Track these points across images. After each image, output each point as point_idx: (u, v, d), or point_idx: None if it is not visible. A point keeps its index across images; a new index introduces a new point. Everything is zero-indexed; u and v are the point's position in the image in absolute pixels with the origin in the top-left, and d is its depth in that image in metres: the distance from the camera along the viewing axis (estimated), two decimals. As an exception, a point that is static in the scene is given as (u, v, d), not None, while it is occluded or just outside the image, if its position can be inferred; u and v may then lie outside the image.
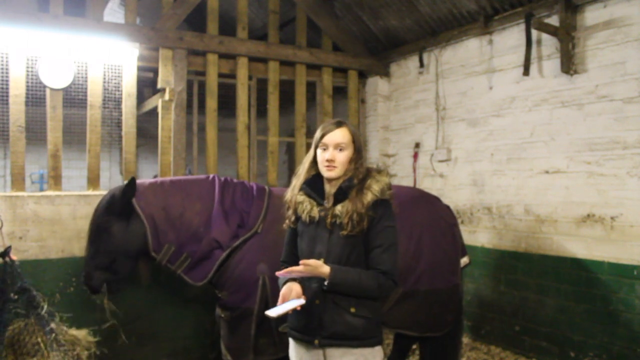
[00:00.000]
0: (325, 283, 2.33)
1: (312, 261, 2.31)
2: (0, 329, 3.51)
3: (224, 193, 3.70)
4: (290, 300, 2.36)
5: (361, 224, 2.39)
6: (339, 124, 2.52)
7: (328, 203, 2.48)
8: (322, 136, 2.49)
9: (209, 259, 3.58)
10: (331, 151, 2.46)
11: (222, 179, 3.81)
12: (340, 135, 2.47)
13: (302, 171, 2.60)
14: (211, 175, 3.83)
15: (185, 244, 3.56)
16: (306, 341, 2.48)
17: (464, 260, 4.08)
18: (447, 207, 4.21)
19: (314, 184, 2.54)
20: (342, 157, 2.46)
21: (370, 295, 2.42)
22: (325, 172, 2.48)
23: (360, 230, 2.40)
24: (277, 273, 2.39)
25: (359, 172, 2.49)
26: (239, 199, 3.71)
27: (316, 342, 2.42)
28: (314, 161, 2.55)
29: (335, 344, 2.41)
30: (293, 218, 2.59)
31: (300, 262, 2.31)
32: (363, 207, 2.40)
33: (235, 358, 3.55)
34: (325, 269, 2.31)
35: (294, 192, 2.58)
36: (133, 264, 3.67)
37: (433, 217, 3.93)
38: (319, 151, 2.51)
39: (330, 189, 2.52)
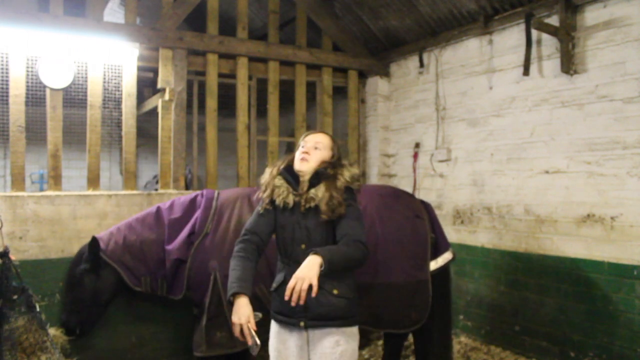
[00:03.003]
0: (322, 268, 2.34)
1: (298, 275, 2.28)
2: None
3: (171, 215, 4.05)
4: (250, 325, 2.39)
5: (339, 208, 2.54)
6: (323, 132, 2.82)
7: (302, 189, 2.62)
8: (304, 137, 2.77)
9: (178, 274, 3.91)
10: (308, 146, 2.71)
11: (168, 203, 4.15)
12: (320, 137, 2.75)
13: (280, 163, 2.79)
14: (156, 206, 4.16)
15: (156, 272, 3.95)
16: (291, 324, 2.59)
17: (446, 257, 4.03)
18: (418, 202, 4.18)
19: (292, 172, 2.71)
20: (317, 154, 2.69)
21: (358, 263, 2.52)
22: (297, 164, 2.68)
23: (339, 215, 2.54)
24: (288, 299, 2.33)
25: (335, 165, 2.69)
26: (187, 213, 4.03)
27: (302, 324, 2.54)
28: (292, 158, 2.76)
29: (319, 325, 2.53)
30: (268, 200, 2.70)
31: (290, 284, 2.29)
32: (335, 191, 2.55)
33: (194, 350, 3.74)
34: (317, 260, 2.32)
35: (272, 174, 2.72)
36: (104, 309, 4.09)
37: (386, 208, 3.92)
38: (298, 150, 2.74)
39: (303, 178, 2.67)
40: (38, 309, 3.56)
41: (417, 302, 3.81)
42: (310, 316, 2.53)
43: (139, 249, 3.94)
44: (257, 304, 3.61)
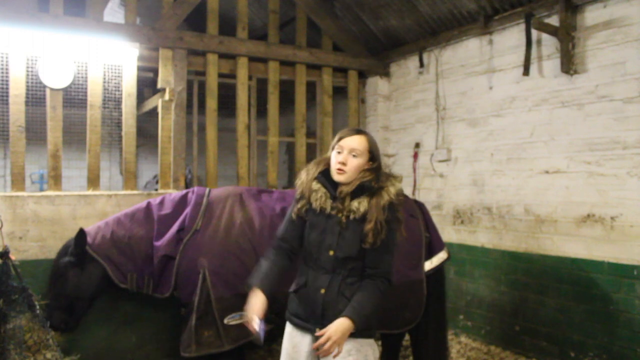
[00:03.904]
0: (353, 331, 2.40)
1: (330, 337, 2.33)
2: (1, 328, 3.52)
3: (161, 211, 4.00)
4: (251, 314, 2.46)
5: (382, 234, 2.45)
6: (358, 132, 2.59)
7: (344, 202, 2.52)
8: (340, 139, 2.56)
9: (166, 271, 3.85)
10: (345, 155, 2.52)
11: (159, 199, 4.10)
12: (357, 141, 2.54)
13: (315, 166, 2.66)
14: (146, 201, 4.11)
15: (143, 268, 3.88)
16: (307, 329, 2.54)
17: (441, 256, 4.01)
18: (411, 201, 4.15)
19: (328, 177, 2.59)
20: (354, 163, 2.52)
21: (380, 306, 2.55)
22: (335, 175, 2.53)
23: (380, 240, 2.45)
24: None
25: (378, 177, 2.55)
26: (177, 209, 3.98)
27: (318, 330, 2.46)
28: (328, 161, 2.62)
29: None
30: (304, 209, 2.60)
31: (322, 341, 2.34)
32: (381, 210, 2.45)
33: (182, 350, 3.68)
34: (348, 325, 2.37)
35: (309, 178, 2.61)
36: (89, 305, 3.97)
37: None
38: (333, 153, 2.57)
39: (342, 187, 2.55)
40: (38, 309, 3.56)
41: (412, 302, 3.79)
42: (327, 324, 2.45)
43: (127, 244, 3.87)
44: (246, 304, 3.63)
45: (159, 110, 5.26)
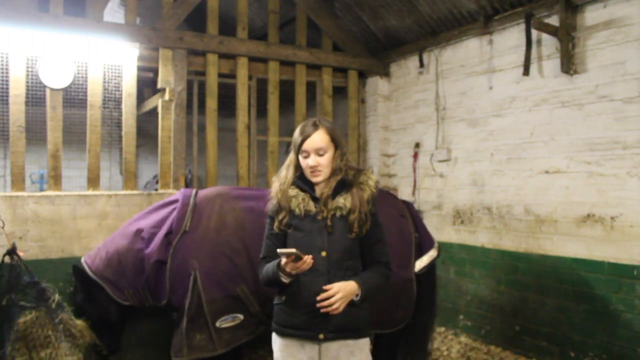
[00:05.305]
0: (356, 298, 2.40)
1: (339, 290, 2.34)
2: (7, 325, 3.53)
3: (146, 218, 3.95)
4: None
5: (367, 224, 2.48)
6: (315, 127, 2.50)
7: (326, 203, 2.48)
8: (302, 142, 2.48)
9: (160, 277, 3.75)
10: (313, 157, 2.47)
11: (146, 209, 4.09)
12: (318, 139, 2.47)
13: (286, 173, 2.59)
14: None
15: (136, 282, 3.79)
16: (306, 337, 2.45)
17: (431, 254, 3.97)
18: (400, 201, 4.14)
19: (304, 180, 2.55)
20: (324, 161, 2.49)
21: (382, 290, 2.58)
22: (312, 178, 2.51)
23: (366, 229, 2.48)
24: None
25: (350, 168, 2.57)
26: (162, 213, 3.91)
27: (321, 336, 2.42)
28: (297, 164, 2.56)
29: (336, 337, 2.44)
30: (286, 219, 2.51)
31: (331, 293, 2.33)
32: (365, 203, 2.48)
33: (173, 355, 3.59)
34: (354, 288, 2.39)
35: (283, 188, 2.53)
36: (120, 325, 4.03)
37: None
38: (300, 157, 2.52)
39: (320, 189, 2.54)
40: (52, 303, 3.57)
41: (403, 301, 3.77)
42: (330, 328, 2.41)
43: (117, 260, 3.81)
44: (238, 305, 3.54)
45: (159, 110, 5.27)
